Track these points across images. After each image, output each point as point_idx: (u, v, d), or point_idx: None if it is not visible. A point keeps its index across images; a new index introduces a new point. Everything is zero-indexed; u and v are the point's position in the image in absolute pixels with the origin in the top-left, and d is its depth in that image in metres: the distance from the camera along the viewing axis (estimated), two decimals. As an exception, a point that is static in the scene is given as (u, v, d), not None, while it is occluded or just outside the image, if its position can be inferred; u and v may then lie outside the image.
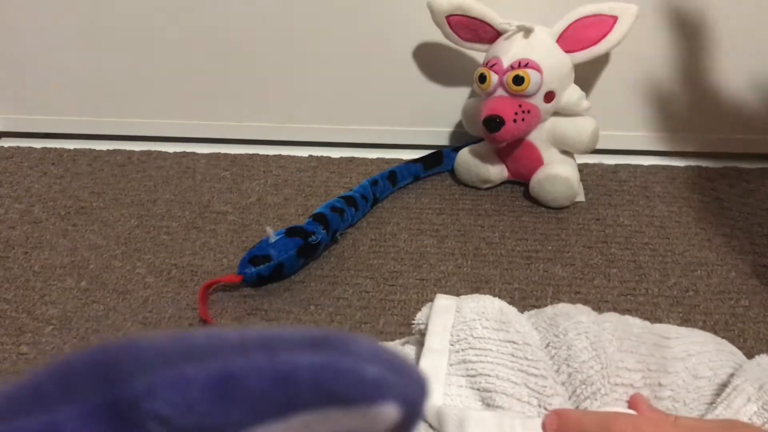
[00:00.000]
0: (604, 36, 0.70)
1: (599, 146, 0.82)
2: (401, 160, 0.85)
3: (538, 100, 0.71)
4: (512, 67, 0.69)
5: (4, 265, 0.70)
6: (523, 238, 0.72)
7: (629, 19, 0.69)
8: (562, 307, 0.42)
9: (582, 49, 0.71)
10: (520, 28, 0.71)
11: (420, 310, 0.44)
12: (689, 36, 0.78)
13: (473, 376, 0.38)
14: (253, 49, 0.83)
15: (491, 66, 0.71)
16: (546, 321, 0.41)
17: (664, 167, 0.83)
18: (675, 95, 0.82)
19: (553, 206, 0.76)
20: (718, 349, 0.41)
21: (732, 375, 0.39)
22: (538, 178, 0.75)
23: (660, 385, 0.38)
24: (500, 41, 0.72)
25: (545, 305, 0.62)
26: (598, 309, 0.53)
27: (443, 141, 0.88)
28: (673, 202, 0.77)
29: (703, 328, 0.60)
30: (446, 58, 0.82)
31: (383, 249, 0.71)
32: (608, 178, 0.81)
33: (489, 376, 0.37)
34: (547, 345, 0.39)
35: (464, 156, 0.79)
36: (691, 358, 0.40)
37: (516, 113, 0.70)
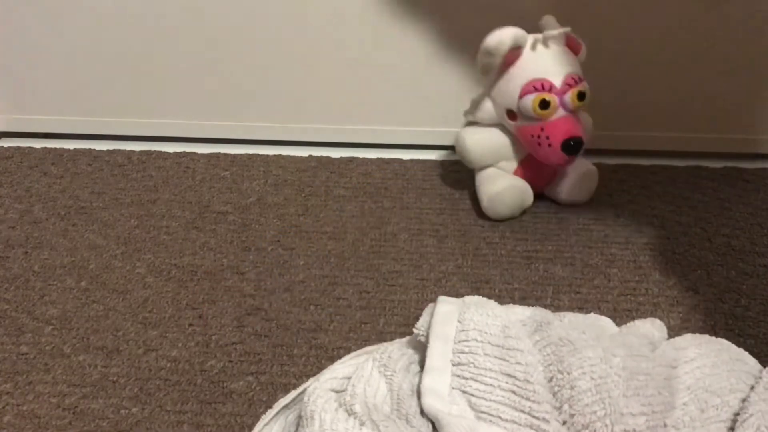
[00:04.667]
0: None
1: (599, 146, 0.82)
2: (401, 160, 0.85)
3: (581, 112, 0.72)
4: (569, 85, 0.67)
5: (4, 265, 0.70)
6: (523, 238, 0.72)
7: None
8: (569, 334, 0.40)
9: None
10: (546, 37, 0.68)
11: (421, 310, 0.44)
12: (687, 36, 0.78)
13: (477, 410, 0.37)
14: (253, 49, 0.83)
15: (548, 89, 0.67)
16: (551, 348, 0.39)
17: (664, 167, 0.83)
18: (675, 95, 0.82)
19: (584, 202, 0.76)
20: (729, 370, 0.40)
21: (744, 400, 0.38)
22: (572, 181, 0.74)
23: (665, 425, 0.37)
24: (528, 62, 0.68)
25: (545, 305, 0.62)
26: (598, 309, 0.53)
27: (443, 141, 0.88)
28: (673, 202, 0.77)
29: (703, 328, 0.60)
30: (447, 59, 0.82)
31: (383, 249, 0.71)
32: (608, 178, 0.81)
33: (492, 415, 0.37)
34: (551, 379, 0.38)
35: (505, 191, 0.73)
36: (699, 387, 0.39)
37: (582, 130, 0.70)
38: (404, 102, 0.86)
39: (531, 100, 0.68)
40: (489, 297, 0.63)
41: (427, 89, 0.84)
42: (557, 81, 0.68)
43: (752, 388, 0.38)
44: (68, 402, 0.55)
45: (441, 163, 0.84)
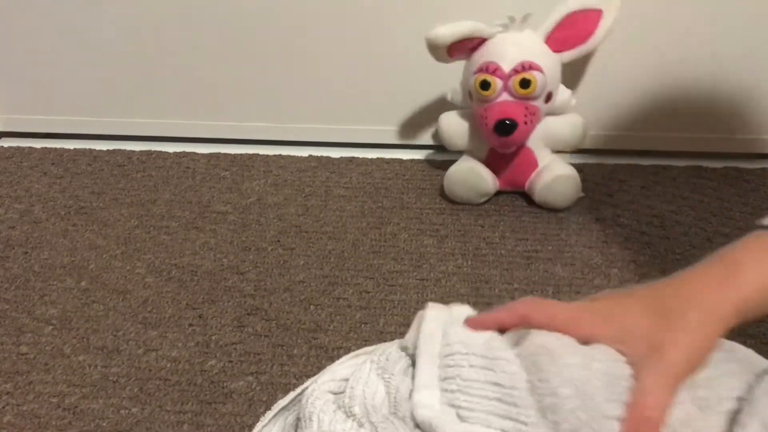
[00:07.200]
0: (590, 33, 0.70)
1: (599, 146, 0.82)
2: (401, 160, 0.85)
3: (540, 102, 0.71)
4: (516, 71, 0.68)
5: (4, 265, 0.70)
6: (523, 238, 0.72)
7: (614, 13, 0.69)
8: (544, 342, 0.39)
9: (570, 48, 0.71)
10: (511, 20, 0.70)
11: (421, 310, 0.44)
12: (687, 37, 0.78)
13: (467, 420, 0.37)
14: (253, 49, 0.83)
15: (492, 71, 0.69)
16: (529, 359, 0.39)
17: (664, 167, 0.83)
18: (675, 95, 0.82)
19: (560, 207, 0.75)
20: (729, 371, 0.39)
21: (743, 400, 0.37)
22: (545, 182, 0.73)
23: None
24: (489, 46, 0.71)
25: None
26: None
27: (443, 141, 0.88)
28: (673, 202, 0.77)
29: (703, 328, 0.60)
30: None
31: (383, 249, 0.71)
32: (608, 178, 0.81)
33: (481, 425, 0.37)
34: (533, 388, 0.38)
35: (459, 171, 0.76)
36: (698, 388, 0.38)
37: (525, 116, 0.70)
38: (405, 102, 0.86)
39: (474, 79, 0.70)
40: (489, 297, 0.63)
41: (427, 90, 0.84)
42: (506, 66, 0.69)
43: (752, 386, 0.38)
44: (68, 402, 0.55)
45: (441, 163, 0.84)
